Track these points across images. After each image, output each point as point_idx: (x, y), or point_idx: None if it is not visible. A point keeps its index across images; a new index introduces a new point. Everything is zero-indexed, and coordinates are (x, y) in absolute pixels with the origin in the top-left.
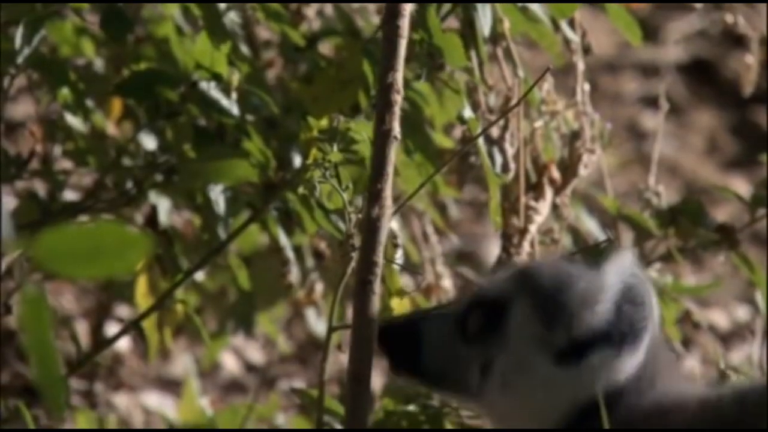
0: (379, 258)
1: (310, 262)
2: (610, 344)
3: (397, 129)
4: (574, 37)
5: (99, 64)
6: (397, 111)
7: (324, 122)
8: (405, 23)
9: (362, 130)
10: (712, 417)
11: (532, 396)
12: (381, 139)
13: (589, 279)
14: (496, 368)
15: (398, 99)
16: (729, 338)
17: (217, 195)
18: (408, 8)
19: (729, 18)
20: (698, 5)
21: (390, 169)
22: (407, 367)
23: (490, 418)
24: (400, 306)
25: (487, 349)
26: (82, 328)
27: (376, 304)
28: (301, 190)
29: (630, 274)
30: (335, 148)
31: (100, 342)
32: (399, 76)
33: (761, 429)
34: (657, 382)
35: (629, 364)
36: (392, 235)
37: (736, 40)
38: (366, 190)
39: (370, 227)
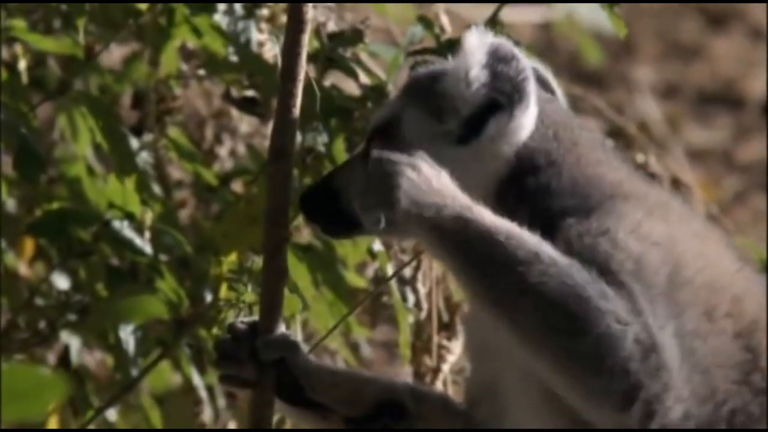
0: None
1: (222, 401)
2: (500, 109)
3: (287, 263)
4: None
5: (11, 204)
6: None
7: (233, 258)
8: (288, 163)
9: None
10: None
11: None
12: (272, 277)
13: (455, 59)
14: None
15: (287, 236)
16: None
17: (128, 335)
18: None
19: (640, 158)
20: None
21: (281, 308)
22: (339, 227)
23: None
24: None
25: None
26: None
27: None
28: (215, 330)
29: (491, 38)
30: (249, 288)
31: None
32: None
33: None
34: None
35: (526, 120)
36: None
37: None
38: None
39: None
